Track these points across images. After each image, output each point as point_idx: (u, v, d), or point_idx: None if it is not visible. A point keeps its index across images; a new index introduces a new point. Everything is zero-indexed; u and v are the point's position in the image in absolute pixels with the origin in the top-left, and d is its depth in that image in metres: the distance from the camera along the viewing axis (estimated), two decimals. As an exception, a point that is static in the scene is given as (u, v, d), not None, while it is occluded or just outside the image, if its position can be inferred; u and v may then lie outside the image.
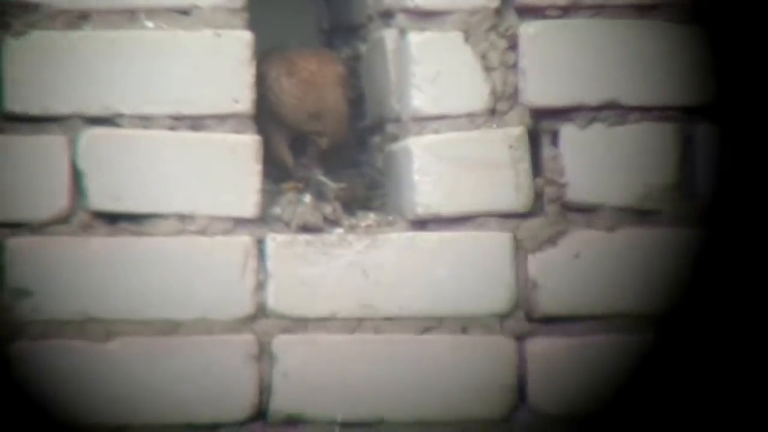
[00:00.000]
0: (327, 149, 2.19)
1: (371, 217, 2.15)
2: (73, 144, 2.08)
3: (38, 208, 2.07)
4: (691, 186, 2.13)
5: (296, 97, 2.16)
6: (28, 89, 2.07)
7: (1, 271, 2.06)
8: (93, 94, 2.08)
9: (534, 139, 2.14)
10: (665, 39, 2.13)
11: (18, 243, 2.07)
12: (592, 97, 2.13)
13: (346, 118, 2.17)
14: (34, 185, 2.07)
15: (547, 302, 2.11)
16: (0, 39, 2.06)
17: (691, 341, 2.10)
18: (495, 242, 2.12)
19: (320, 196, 2.17)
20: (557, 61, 2.13)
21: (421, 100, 2.13)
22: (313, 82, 2.16)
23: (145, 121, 2.09)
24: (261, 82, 2.13)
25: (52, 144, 2.08)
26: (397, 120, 2.17)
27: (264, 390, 2.07)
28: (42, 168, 2.07)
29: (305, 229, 2.11)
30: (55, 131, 2.08)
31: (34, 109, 2.08)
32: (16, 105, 2.08)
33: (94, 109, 2.08)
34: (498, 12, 2.13)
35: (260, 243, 2.09)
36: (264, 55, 2.17)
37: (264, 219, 2.11)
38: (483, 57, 2.13)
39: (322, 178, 2.20)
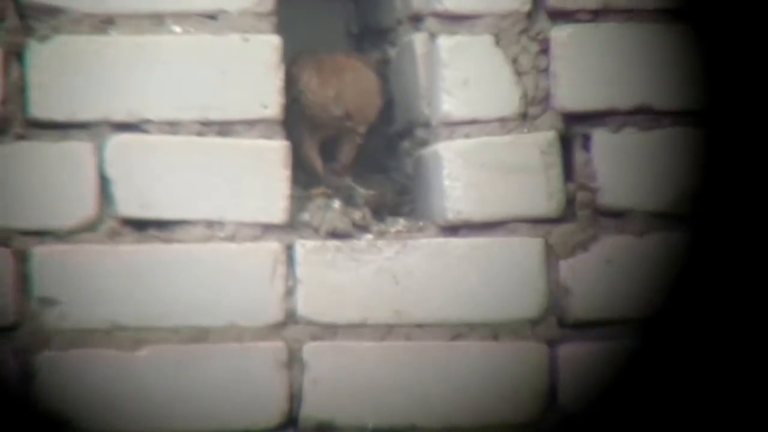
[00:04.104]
0: (361, 144, 1.93)
1: (401, 223, 1.90)
2: (99, 151, 1.83)
3: (64, 216, 1.81)
4: (719, 190, 1.88)
5: (327, 86, 1.90)
6: (53, 95, 1.81)
7: (27, 279, 1.80)
8: (119, 99, 1.82)
9: (565, 143, 1.89)
10: (695, 44, 1.88)
11: (44, 251, 1.81)
12: (623, 102, 1.88)
13: (378, 111, 1.92)
14: (60, 193, 1.81)
15: (579, 308, 1.87)
16: (24, 43, 1.81)
17: (720, 344, 1.87)
18: (526, 248, 1.86)
19: (349, 201, 1.92)
20: (589, 65, 1.88)
21: (451, 104, 1.87)
22: (343, 67, 1.91)
23: (173, 127, 1.83)
24: (291, 86, 1.89)
25: (78, 151, 1.82)
26: (427, 125, 1.92)
27: (294, 397, 1.83)
28: (68, 175, 1.81)
29: (334, 235, 1.85)
30: (81, 138, 1.82)
31: (60, 116, 1.82)
32: (41, 111, 1.82)
33: (121, 115, 1.83)
34: (529, 16, 1.87)
35: (289, 249, 1.84)
36: (294, 59, 1.92)
37: (293, 225, 1.86)
38: (514, 61, 1.87)
39: (352, 184, 1.95)
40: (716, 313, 1.86)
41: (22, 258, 1.79)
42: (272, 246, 1.82)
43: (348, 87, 1.90)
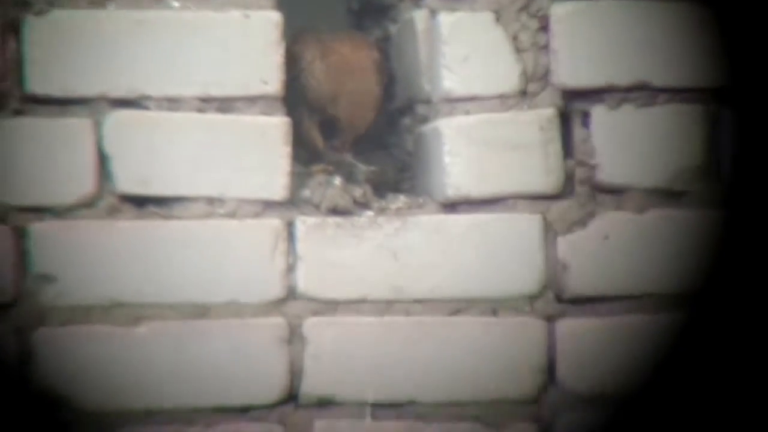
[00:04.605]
0: (354, 135, 1.88)
1: (401, 200, 1.84)
2: (98, 127, 1.75)
3: (63, 193, 1.74)
4: (718, 167, 1.84)
5: (329, 81, 1.85)
6: (51, 70, 1.74)
7: (26, 256, 1.74)
8: (118, 75, 1.75)
9: (565, 120, 1.83)
10: (694, 20, 1.82)
11: (43, 228, 1.74)
12: (622, 78, 1.82)
13: (379, 104, 1.87)
14: (59, 169, 1.74)
15: (577, 283, 1.81)
16: (21, 18, 1.73)
17: (718, 320, 1.82)
18: (525, 224, 1.80)
19: (350, 178, 1.86)
20: (588, 41, 1.82)
21: (451, 81, 1.81)
22: (347, 68, 1.85)
23: (173, 103, 1.76)
24: (294, 63, 1.82)
25: (76, 127, 1.75)
26: (428, 101, 1.86)
27: (295, 372, 1.77)
28: (67, 151, 1.74)
29: (335, 211, 1.79)
30: (80, 114, 1.75)
31: (58, 91, 1.75)
32: (38, 87, 1.74)
33: (120, 91, 1.75)
34: None
35: (290, 226, 1.78)
36: (297, 36, 1.85)
37: (293, 202, 1.79)
38: (514, 38, 1.81)
39: (352, 161, 1.89)
40: (714, 286, 1.81)
41: (20, 234, 1.72)
42: (273, 222, 1.76)
43: (346, 94, 1.83)
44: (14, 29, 1.72)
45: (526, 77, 1.79)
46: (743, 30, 1.82)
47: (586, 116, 1.81)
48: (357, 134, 1.87)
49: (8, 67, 1.72)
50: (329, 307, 1.77)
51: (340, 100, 1.84)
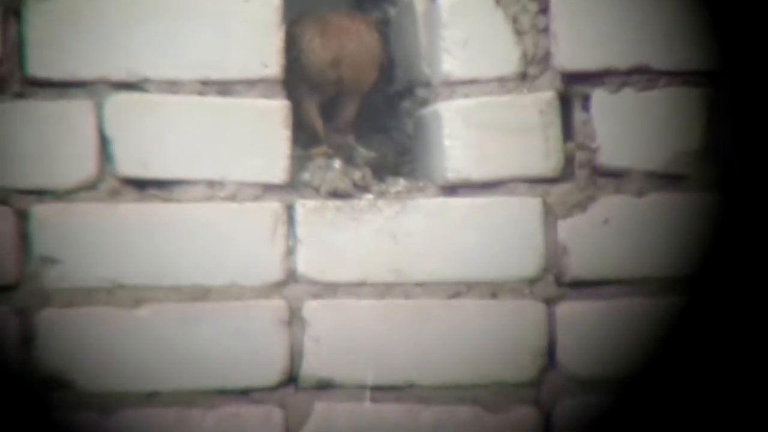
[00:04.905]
0: (360, 94, 1.87)
1: (401, 183, 1.84)
2: (99, 109, 1.76)
3: (64, 175, 1.75)
4: (718, 151, 1.83)
5: (329, 49, 1.85)
6: (51, 53, 1.74)
7: (27, 238, 1.74)
8: (118, 58, 1.75)
9: (565, 103, 1.83)
10: (694, 3, 1.82)
11: (44, 210, 1.75)
12: (622, 61, 1.82)
13: (380, 60, 1.86)
14: (60, 152, 1.75)
15: (577, 267, 1.81)
16: (21, 1, 1.74)
17: (718, 304, 1.82)
18: (525, 207, 1.81)
19: (350, 161, 1.86)
20: (588, 24, 1.81)
21: (451, 64, 1.81)
22: (346, 32, 1.85)
23: (173, 86, 1.77)
24: (293, 46, 1.82)
25: (77, 110, 1.75)
26: (427, 84, 1.86)
27: (295, 355, 1.77)
28: (67, 134, 1.75)
29: (335, 194, 1.80)
30: (81, 96, 1.75)
31: (58, 74, 1.75)
32: (39, 69, 1.75)
33: (120, 74, 1.76)
34: None
35: (290, 209, 1.78)
36: (296, 20, 1.85)
37: (293, 185, 1.80)
38: (514, 20, 1.81)
39: (352, 144, 1.89)
40: (713, 270, 1.81)
41: (22, 217, 1.73)
42: (273, 206, 1.76)
43: (346, 54, 1.84)
44: (15, 12, 1.73)
45: (526, 60, 1.79)
46: (742, 13, 1.82)
47: (586, 99, 1.81)
48: (362, 92, 1.85)
49: (9, 50, 1.73)
50: (329, 289, 1.77)
51: (342, 63, 1.83)
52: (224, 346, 1.74)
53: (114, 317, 1.73)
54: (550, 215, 1.80)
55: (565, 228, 1.79)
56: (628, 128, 1.81)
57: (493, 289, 1.79)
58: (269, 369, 1.75)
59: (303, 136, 1.87)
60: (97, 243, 1.73)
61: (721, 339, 1.80)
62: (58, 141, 1.73)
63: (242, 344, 1.74)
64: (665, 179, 1.81)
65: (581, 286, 1.80)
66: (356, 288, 1.77)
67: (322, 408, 1.76)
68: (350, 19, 1.87)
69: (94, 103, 1.74)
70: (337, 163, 1.82)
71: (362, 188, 1.80)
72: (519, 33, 1.79)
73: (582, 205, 1.80)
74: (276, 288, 1.76)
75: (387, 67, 1.93)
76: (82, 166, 1.73)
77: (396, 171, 1.88)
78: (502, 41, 1.79)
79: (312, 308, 1.76)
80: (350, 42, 1.83)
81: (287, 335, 1.75)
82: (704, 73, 1.81)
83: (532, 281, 1.79)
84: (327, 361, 1.76)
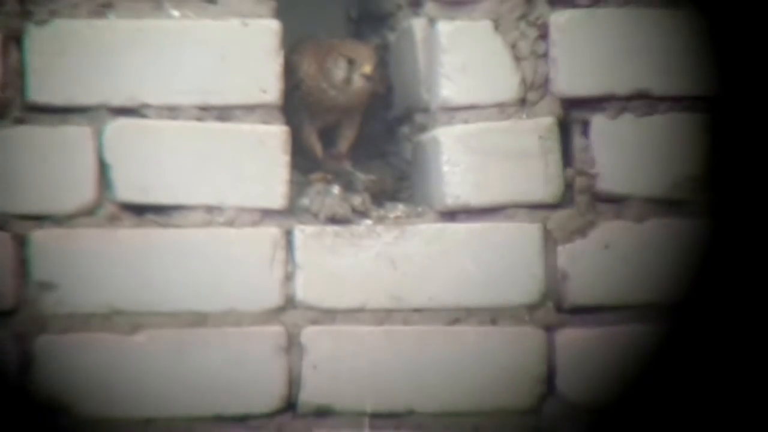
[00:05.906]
0: (360, 130, 1.90)
1: (400, 209, 1.86)
2: (98, 135, 1.78)
3: (63, 201, 1.77)
4: (717, 177, 1.84)
5: (328, 82, 1.86)
6: (52, 79, 1.77)
7: (26, 264, 1.76)
8: (118, 84, 1.78)
9: (564, 129, 1.84)
10: (693, 30, 1.83)
11: (43, 236, 1.77)
12: (622, 87, 1.84)
13: (371, 96, 1.88)
14: (59, 177, 1.77)
15: (577, 293, 1.83)
16: (22, 27, 1.76)
17: (718, 330, 1.83)
18: (524, 233, 1.82)
19: (349, 187, 1.88)
20: (588, 50, 1.83)
21: (450, 89, 1.83)
22: (345, 46, 1.87)
23: (172, 111, 1.79)
24: (292, 73, 1.84)
25: (77, 135, 1.77)
26: (426, 110, 1.88)
27: (293, 381, 1.78)
28: (67, 159, 1.77)
29: (334, 220, 1.81)
30: (80, 122, 1.78)
31: (58, 100, 1.77)
32: (39, 95, 1.77)
33: (120, 100, 1.78)
34: (528, 1, 1.83)
35: (288, 234, 1.80)
36: (295, 47, 1.88)
37: (292, 210, 1.81)
38: (513, 46, 1.83)
39: (351, 169, 1.91)
40: (713, 296, 1.81)
41: (21, 242, 1.75)
42: (271, 231, 1.77)
43: (347, 48, 1.85)
44: (16, 39, 1.76)
45: (525, 86, 1.81)
46: (742, 39, 1.83)
47: (585, 125, 1.83)
48: (373, 64, 1.84)
49: (10, 76, 1.75)
50: (328, 315, 1.78)
51: (342, 48, 1.84)
52: (222, 372, 1.76)
53: (111, 343, 1.74)
54: (549, 241, 1.81)
55: (564, 254, 1.81)
56: (627, 154, 1.83)
57: (492, 315, 1.80)
58: (267, 396, 1.76)
59: (302, 162, 1.88)
60: (95, 268, 1.74)
61: (720, 365, 1.81)
62: (58, 166, 1.75)
63: (240, 371, 1.76)
64: (665, 205, 1.82)
65: (581, 312, 1.81)
66: (355, 314, 1.78)
67: (320, 435, 1.79)
68: (351, 42, 1.88)
69: (94, 129, 1.76)
70: (336, 189, 1.83)
71: (361, 214, 1.81)
72: (518, 59, 1.81)
73: (582, 231, 1.82)
74: (274, 314, 1.77)
75: (386, 93, 1.95)
76: (81, 191, 1.75)
77: (395, 196, 1.89)
78: (502, 67, 1.81)
79: (310, 334, 1.78)
80: (350, 43, 1.84)
81: (285, 362, 1.76)
82: (704, 99, 1.83)
83: (532, 307, 1.80)
84: (326, 388, 1.77)
